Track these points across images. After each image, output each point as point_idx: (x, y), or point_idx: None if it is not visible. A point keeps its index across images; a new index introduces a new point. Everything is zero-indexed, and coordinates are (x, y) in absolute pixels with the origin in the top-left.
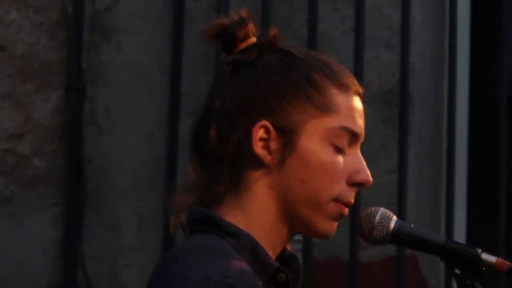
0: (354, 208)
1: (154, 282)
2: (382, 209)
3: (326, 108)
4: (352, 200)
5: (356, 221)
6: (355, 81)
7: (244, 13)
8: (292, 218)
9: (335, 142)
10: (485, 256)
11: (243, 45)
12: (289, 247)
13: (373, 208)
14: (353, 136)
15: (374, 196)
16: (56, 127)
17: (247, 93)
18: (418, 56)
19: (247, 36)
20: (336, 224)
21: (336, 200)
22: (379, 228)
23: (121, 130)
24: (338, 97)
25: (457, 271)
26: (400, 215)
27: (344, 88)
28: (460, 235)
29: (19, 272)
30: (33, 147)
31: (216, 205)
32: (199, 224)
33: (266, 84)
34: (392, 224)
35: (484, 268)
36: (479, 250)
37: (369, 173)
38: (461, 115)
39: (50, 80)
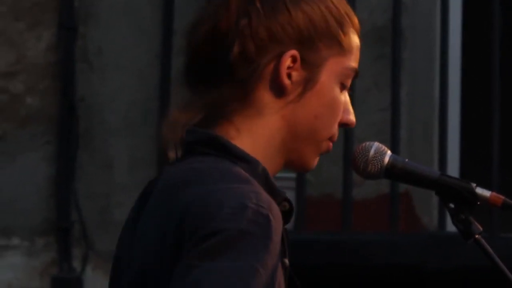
0: (348, 145)
1: (168, 203)
2: (376, 144)
3: (347, 48)
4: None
5: (349, 158)
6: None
7: None
8: (291, 150)
9: (344, 81)
10: (479, 191)
11: None
12: None
13: (367, 143)
14: (355, 76)
15: (367, 133)
16: (48, 66)
17: (279, 19)
18: None
19: None
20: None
21: (330, 138)
22: (373, 163)
23: (113, 69)
24: (353, 37)
25: (452, 205)
26: (393, 152)
27: (355, 28)
28: (453, 172)
29: (12, 210)
30: (26, 85)
31: (223, 124)
32: (203, 145)
33: (298, 12)
34: (387, 159)
35: (478, 203)
36: (474, 185)
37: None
38: (454, 51)
39: (42, 18)
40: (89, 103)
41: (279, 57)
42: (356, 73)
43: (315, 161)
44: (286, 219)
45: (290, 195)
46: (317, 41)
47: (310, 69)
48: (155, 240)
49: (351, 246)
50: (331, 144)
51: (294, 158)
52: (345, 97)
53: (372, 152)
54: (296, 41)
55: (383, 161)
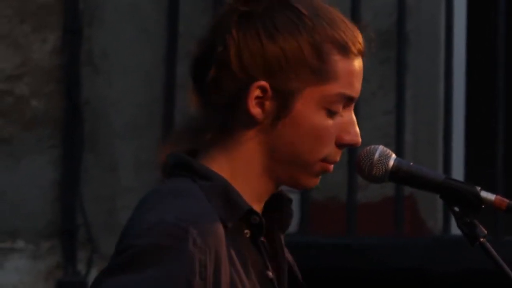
0: (352, 148)
1: (127, 222)
2: (381, 147)
3: (327, 76)
4: (338, 159)
5: (354, 161)
6: (359, 38)
7: None
8: (277, 174)
9: (330, 107)
10: (484, 194)
11: None
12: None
13: (372, 146)
14: (349, 100)
15: (371, 137)
16: (53, 69)
17: (251, 51)
18: None
19: None
20: (319, 178)
21: (324, 160)
22: (378, 166)
23: (118, 71)
24: (339, 63)
25: (456, 208)
26: (397, 155)
27: (347, 52)
28: (457, 175)
29: (17, 214)
30: (31, 88)
31: (203, 152)
32: (176, 168)
33: (270, 44)
34: (391, 162)
35: (483, 206)
36: (479, 188)
37: (358, 132)
38: (459, 55)
39: (47, 21)
40: (94, 106)
41: (247, 88)
42: (351, 97)
43: (313, 181)
44: (259, 232)
45: (295, 198)
46: (288, 72)
47: (282, 98)
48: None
49: (356, 249)
50: (328, 165)
51: (285, 180)
52: (345, 118)
53: (376, 155)
54: (266, 72)
55: (387, 164)
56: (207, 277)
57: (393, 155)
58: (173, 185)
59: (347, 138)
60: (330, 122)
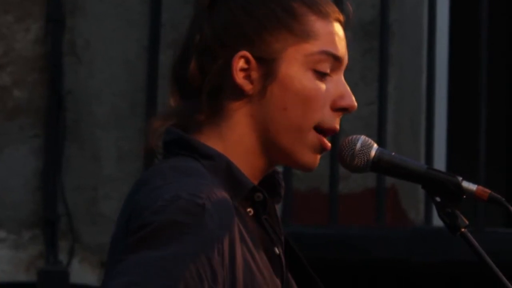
0: (334, 139)
1: (127, 202)
2: (363, 137)
3: (305, 35)
4: (337, 126)
5: (336, 152)
6: (336, 9)
7: None
8: (272, 147)
9: (316, 67)
10: (465, 184)
11: None
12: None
13: (354, 136)
14: (335, 59)
15: (354, 128)
16: (36, 58)
17: (226, 25)
18: None
19: None
20: (318, 157)
21: (318, 127)
22: (360, 156)
23: (100, 61)
24: (316, 23)
25: (438, 199)
26: (380, 146)
27: (323, 15)
28: (439, 167)
29: None
30: (13, 78)
31: (195, 133)
32: (174, 146)
33: (244, 15)
34: (373, 152)
35: (464, 196)
36: (460, 178)
37: (353, 97)
38: (442, 46)
39: (30, 10)
40: (76, 95)
41: (230, 61)
42: (336, 56)
43: (311, 157)
44: (263, 209)
45: None
46: (265, 36)
47: (266, 64)
48: (113, 240)
49: (337, 240)
50: (321, 137)
51: (282, 156)
52: (337, 82)
53: (358, 145)
54: (244, 42)
55: (369, 154)
56: (224, 253)
57: (375, 145)
58: (178, 164)
59: (342, 102)
60: (320, 84)
